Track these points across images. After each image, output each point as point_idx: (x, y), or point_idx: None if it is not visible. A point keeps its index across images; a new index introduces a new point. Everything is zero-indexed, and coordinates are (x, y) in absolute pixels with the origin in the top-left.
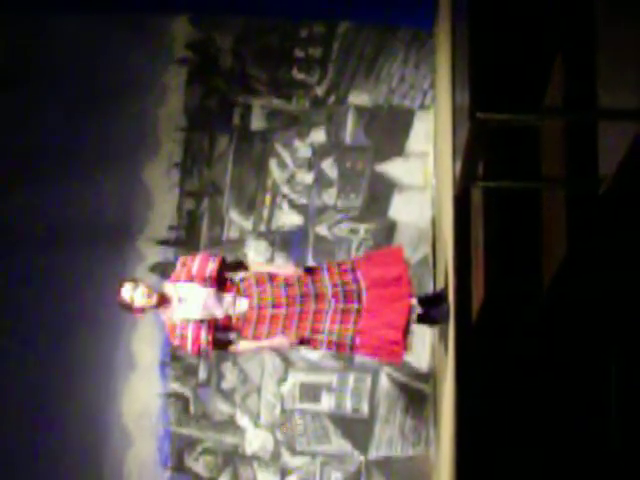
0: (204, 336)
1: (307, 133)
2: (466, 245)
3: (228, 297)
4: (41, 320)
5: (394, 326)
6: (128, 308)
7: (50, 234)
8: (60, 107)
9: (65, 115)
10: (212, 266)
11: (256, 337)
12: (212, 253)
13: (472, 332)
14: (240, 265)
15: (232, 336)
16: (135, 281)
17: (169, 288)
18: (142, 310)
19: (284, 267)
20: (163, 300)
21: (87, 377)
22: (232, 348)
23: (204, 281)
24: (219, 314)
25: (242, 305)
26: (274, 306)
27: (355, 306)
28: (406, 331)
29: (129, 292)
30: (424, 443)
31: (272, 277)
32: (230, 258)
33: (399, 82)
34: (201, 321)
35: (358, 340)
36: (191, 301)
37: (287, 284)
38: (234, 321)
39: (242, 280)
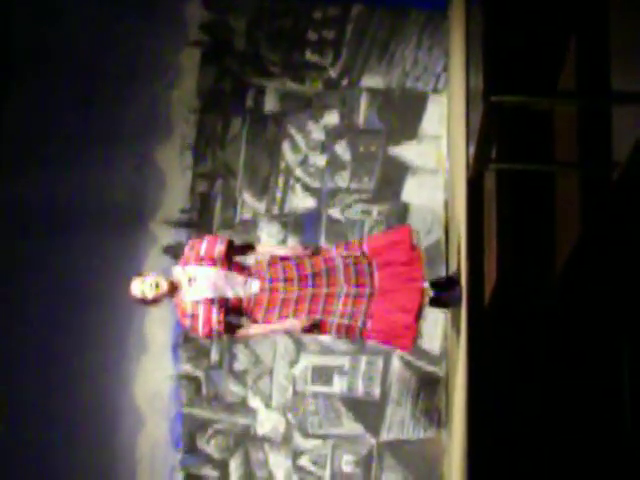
0: (215, 316)
1: (320, 115)
2: (479, 228)
3: (239, 278)
4: (53, 302)
5: (406, 310)
6: (142, 302)
7: (63, 216)
8: (73, 89)
9: (78, 97)
10: (220, 247)
11: (267, 320)
12: (220, 235)
13: (484, 315)
14: (248, 247)
15: (243, 320)
16: (141, 275)
17: (179, 272)
18: (156, 300)
19: (293, 249)
20: (174, 286)
21: (100, 359)
22: (242, 332)
23: (213, 262)
24: (229, 294)
25: (253, 286)
26: (286, 287)
27: (367, 290)
28: (418, 316)
29: (138, 287)
30: (436, 426)
31: (284, 259)
32: (243, 240)
33: (412, 65)
34: (212, 301)
35: (369, 324)
36: (201, 282)
37: (298, 265)
38: (245, 303)
39: (254, 262)
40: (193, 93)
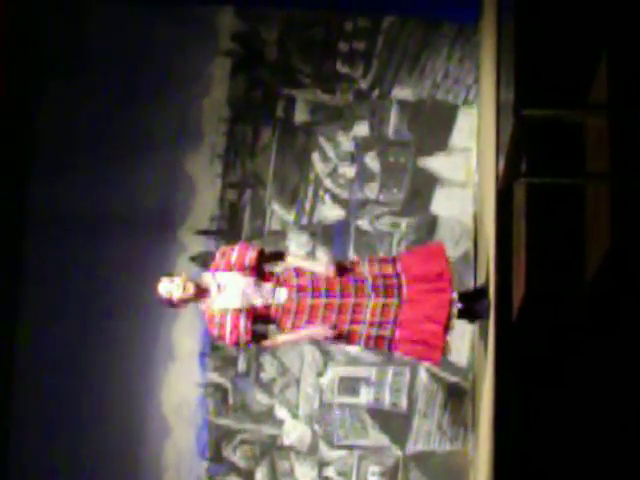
0: (242, 324)
1: (350, 127)
2: (508, 241)
3: (267, 286)
4: (82, 308)
5: (434, 320)
6: (168, 303)
7: (93, 222)
8: (105, 96)
9: (110, 104)
10: (251, 255)
11: (295, 328)
12: (251, 243)
13: (512, 328)
14: (278, 255)
15: (270, 329)
16: (171, 275)
17: (208, 278)
18: (182, 302)
19: (320, 265)
20: (201, 290)
21: (127, 366)
22: (269, 341)
23: (243, 270)
24: (258, 303)
25: (281, 295)
26: (313, 296)
27: (395, 301)
28: (446, 327)
29: (166, 286)
30: (462, 438)
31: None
32: (271, 250)
33: (443, 77)
34: (240, 310)
35: (398, 333)
36: (230, 290)
37: (328, 276)
38: (273, 311)
39: (282, 271)
40: (224, 102)
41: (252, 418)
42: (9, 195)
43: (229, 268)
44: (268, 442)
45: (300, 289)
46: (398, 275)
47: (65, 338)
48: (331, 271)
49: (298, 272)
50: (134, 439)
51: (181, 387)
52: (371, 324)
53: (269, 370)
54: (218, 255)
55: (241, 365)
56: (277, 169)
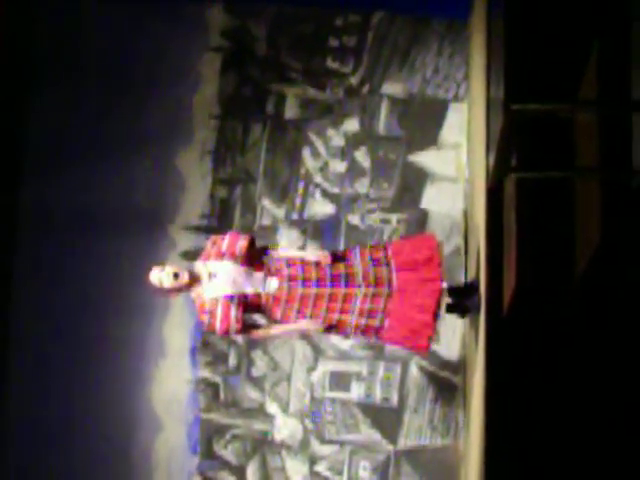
0: (233, 314)
1: (341, 122)
2: (498, 236)
3: (258, 275)
4: (73, 305)
5: (424, 309)
6: (160, 292)
7: (83, 219)
8: (95, 94)
9: (100, 101)
10: (242, 244)
11: (285, 317)
12: (241, 232)
13: (503, 323)
14: (268, 249)
15: (261, 321)
16: (162, 264)
17: (199, 267)
18: (174, 291)
19: (310, 254)
20: (195, 279)
21: (118, 362)
22: (259, 332)
23: (234, 258)
24: (248, 290)
25: (272, 284)
26: (304, 285)
27: (386, 290)
28: (436, 316)
29: (157, 275)
30: (453, 433)
31: (303, 260)
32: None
33: (433, 73)
34: (230, 298)
35: (387, 322)
36: (221, 277)
37: (318, 267)
38: (263, 300)
39: (273, 261)
40: (214, 99)
41: (243, 414)
42: (0, 192)
43: (220, 256)
44: (259, 438)
45: (291, 278)
46: (388, 263)
47: (56, 336)
48: (326, 258)
49: (289, 262)
50: (125, 435)
51: (172, 383)
52: (360, 313)
53: (260, 366)
54: (209, 244)
55: (232, 361)
56: (267, 165)
